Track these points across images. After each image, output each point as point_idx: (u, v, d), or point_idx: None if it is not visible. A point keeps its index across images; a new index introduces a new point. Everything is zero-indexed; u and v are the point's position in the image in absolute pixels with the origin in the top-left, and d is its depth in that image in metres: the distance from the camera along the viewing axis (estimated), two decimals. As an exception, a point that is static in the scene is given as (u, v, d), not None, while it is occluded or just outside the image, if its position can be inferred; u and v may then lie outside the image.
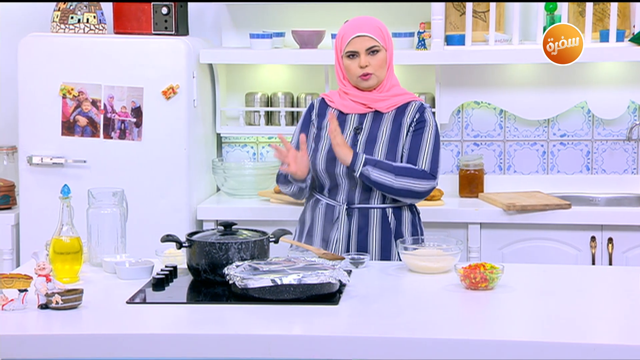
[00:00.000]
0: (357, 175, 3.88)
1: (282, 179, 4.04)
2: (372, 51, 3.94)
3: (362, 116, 4.01)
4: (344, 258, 3.64)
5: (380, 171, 3.87)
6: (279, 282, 3.18)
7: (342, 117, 4.02)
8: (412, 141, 3.96)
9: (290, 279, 3.18)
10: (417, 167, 3.92)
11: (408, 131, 3.97)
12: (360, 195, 3.96)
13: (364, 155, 3.88)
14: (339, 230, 3.96)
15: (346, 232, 3.96)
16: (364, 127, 3.99)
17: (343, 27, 4.02)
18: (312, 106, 4.11)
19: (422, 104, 4.02)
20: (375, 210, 3.96)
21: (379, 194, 3.95)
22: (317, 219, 4.01)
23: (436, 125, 4.02)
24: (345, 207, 3.96)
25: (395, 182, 3.88)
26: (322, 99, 4.10)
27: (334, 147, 3.87)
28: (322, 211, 4.00)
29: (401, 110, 4.00)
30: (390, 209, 3.97)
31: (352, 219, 3.96)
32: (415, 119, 3.97)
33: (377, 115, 4.00)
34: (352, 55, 3.95)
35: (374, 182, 3.88)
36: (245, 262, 3.37)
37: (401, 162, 3.95)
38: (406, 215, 4.00)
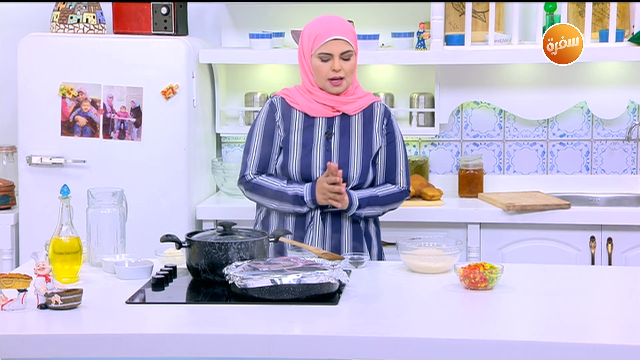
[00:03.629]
0: (350, 215, 3.92)
1: (271, 193, 3.91)
2: (345, 57, 3.88)
3: (330, 119, 3.95)
4: (343, 258, 3.64)
5: (370, 208, 3.93)
6: (279, 282, 3.18)
7: (309, 121, 3.94)
8: (388, 156, 3.98)
9: (289, 279, 3.18)
10: (397, 187, 3.98)
11: (380, 136, 3.97)
12: None
13: (358, 201, 3.89)
14: (313, 234, 3.92)
15: (321, 236, 3.93)
16: (334, 131, 3.94)
17: (315, 26, 3.91)
18: (274, 107, 3.96)
19: (385, 107, 4.01)
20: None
21: None
22: (287, 223, 3.95)
23: (400, 130, 4.04)
24: (319, 212, 3.92)
25: (382, 211, 3.98)
26: (283, 98, 3.98)
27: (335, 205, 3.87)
28: (294, 216, 3.95)
29: (368, 114, 3.97)
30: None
31: (325, 223, 3.93)
32: (385, 126, 3.98)
33: (344, 117, 3.95)
34: (325, 57, 3.88)
35: (363, 217, 3.96)
36: (245, 262, 3.37)
37: (373, 167, 3.95)
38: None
